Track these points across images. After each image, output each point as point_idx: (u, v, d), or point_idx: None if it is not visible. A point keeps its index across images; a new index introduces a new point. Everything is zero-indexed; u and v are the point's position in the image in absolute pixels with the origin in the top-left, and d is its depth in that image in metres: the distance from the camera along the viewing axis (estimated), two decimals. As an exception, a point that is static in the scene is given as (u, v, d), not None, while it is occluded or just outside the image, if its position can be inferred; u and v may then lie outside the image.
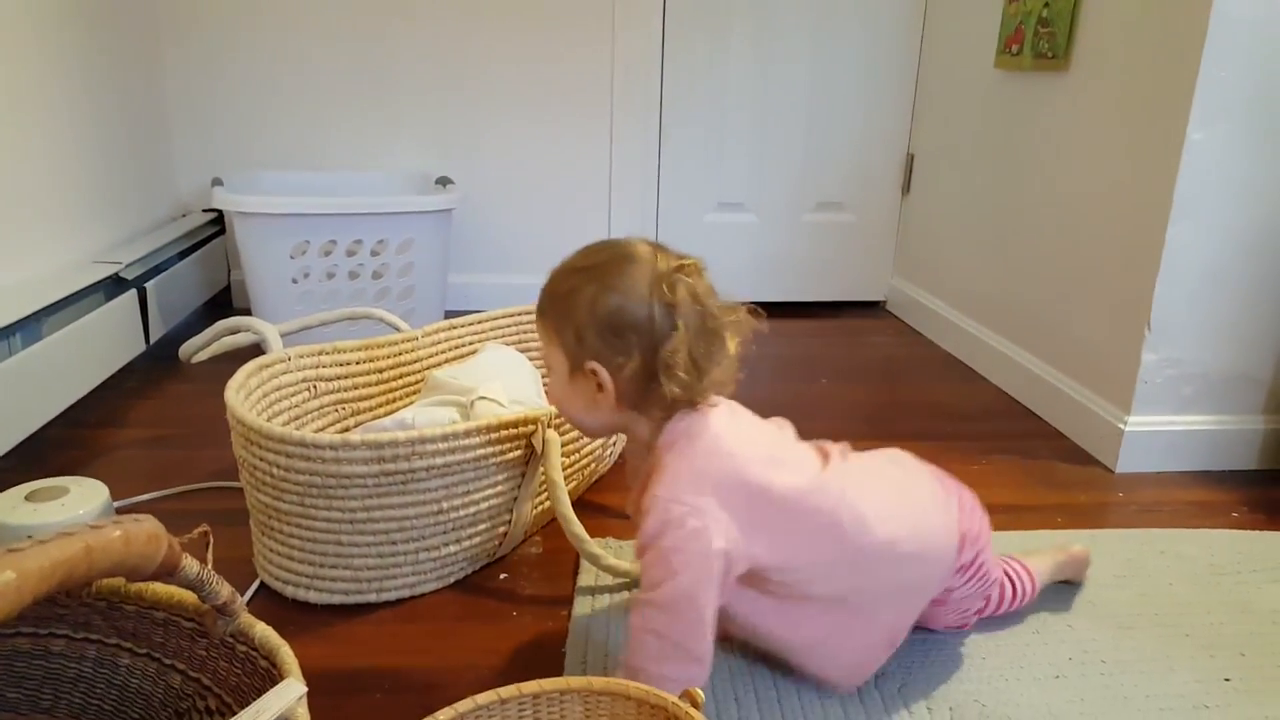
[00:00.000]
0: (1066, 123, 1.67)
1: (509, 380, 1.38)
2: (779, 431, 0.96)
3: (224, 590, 0.65)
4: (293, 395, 1.25)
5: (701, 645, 0.84)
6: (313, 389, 1.29)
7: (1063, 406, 1.66)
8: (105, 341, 1.66)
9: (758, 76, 2.25)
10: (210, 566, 0.67)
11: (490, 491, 1.10)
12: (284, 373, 1.24)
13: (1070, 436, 1.63)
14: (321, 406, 1.31)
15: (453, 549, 1.10)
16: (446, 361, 1.51)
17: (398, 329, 1.47)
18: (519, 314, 1.61)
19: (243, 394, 1.12)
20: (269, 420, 1.20)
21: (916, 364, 2.06)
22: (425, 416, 1.17)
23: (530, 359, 1.57)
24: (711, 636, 0.84)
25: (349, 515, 1.02)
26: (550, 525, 1.26)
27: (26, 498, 1.13)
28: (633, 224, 2.31)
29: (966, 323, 2.04)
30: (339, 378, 1.33)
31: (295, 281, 1.84)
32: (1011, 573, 1.07)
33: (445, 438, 1.02)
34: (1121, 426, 1.49)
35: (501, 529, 1.15)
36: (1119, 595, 1.15)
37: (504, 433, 1.08)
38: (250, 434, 1.01)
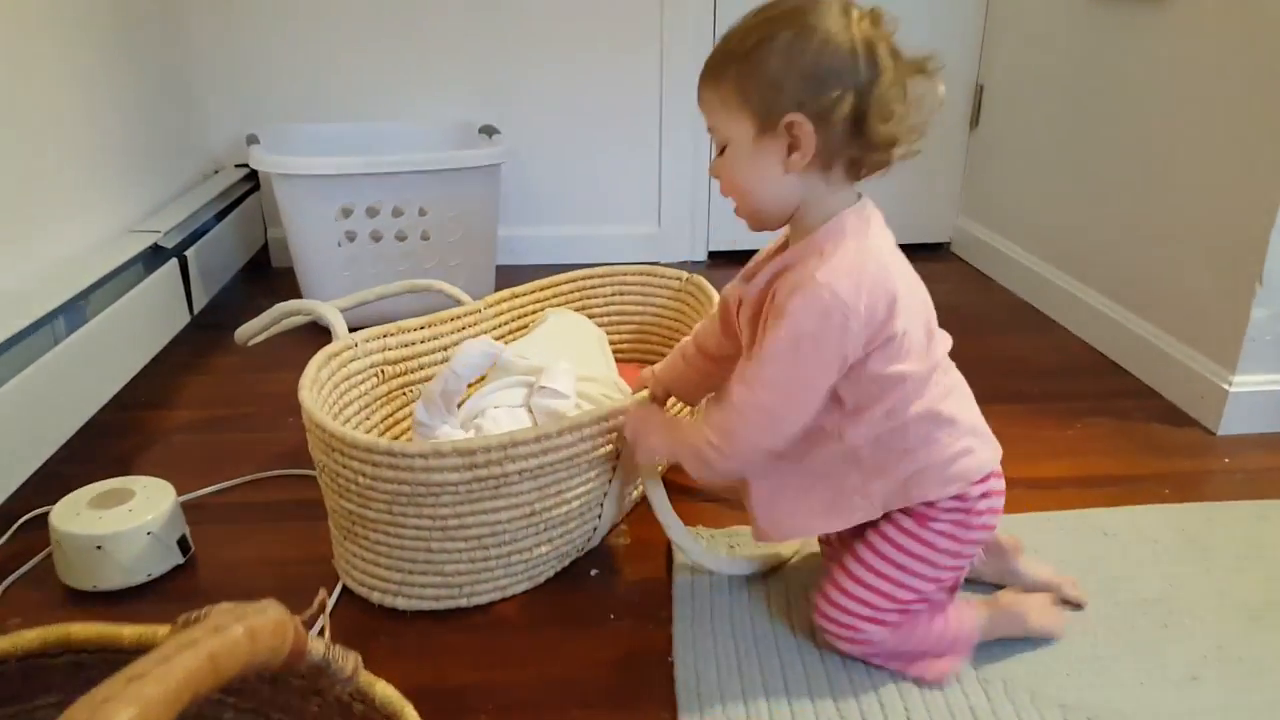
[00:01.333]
0: (1166, 56, 1.54)
1: (578, 352, 1.31)
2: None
3: (349, 664, 0.59)
4: (362, 383, 1.19)
5: (789, 429, 0.86)
6: (381, 374, 1.22)
7: (1155, 362, 1.57)
8: (150, 317, 1.60)
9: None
10: (329, 635, 0.61)
11: (582, 489, 1.04)
12: (352, 359, 1.17)
13: (1164, 394, 1.54)
14: (389, 392, 1.24)
15: (544, 549, 1.04)
16: (510, 333, 1.44)
17: (459, 301, 1.40)
18: (582, 278, 1.53)
19: (315, 389, 1.05)
20: (340, 411, 1.14)
21: (989, 312, 1.96)
22: (457, 357, 1.09)
23: (594, 320, 1.50)
24: (799, 425, 0.86)
25: (439, 522, 0.96)
26: (636, 511, 1.21)
27: (91, 503, 1.08)
28: (683, 169, 2.21)
29: (1042, 267, 1.94)
30: (405, 359, 1.26)
31: (340, 245, 1.76)
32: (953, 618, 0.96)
33: (538, 439, 0.95)
34: (1226, 387, 1.40)
35: (592, 524, 1.10)
36: (1245, 580, 1.08)
37: (597, 428, 1.01)
38: (333, 441, 0.94)
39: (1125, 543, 1.14)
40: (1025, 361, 1.70)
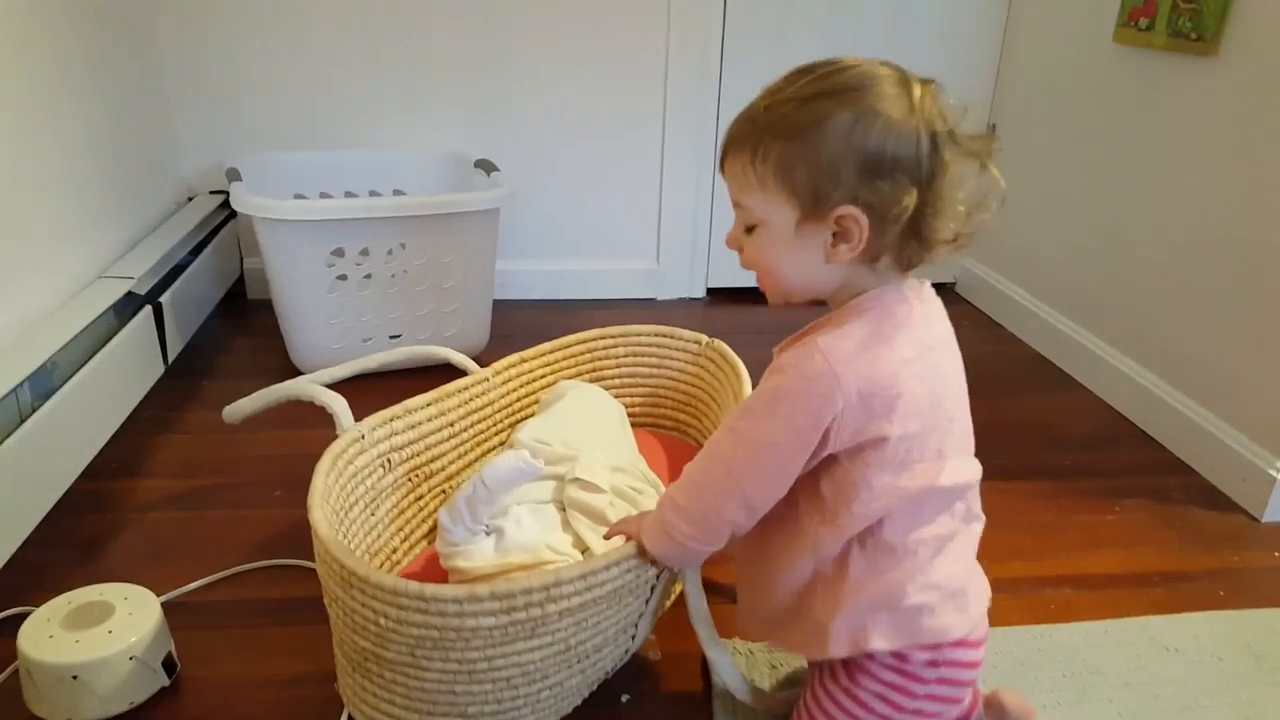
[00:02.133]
0: (1209, 115, 1.47)
1: (601, 434, 1.22)
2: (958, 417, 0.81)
3: None
4: (368, 477, 1.08)
5: (758, 500, 0.78)
6: (386, 464, 1.12)
7: (1191, 437, 1.51)
8: (124, 373, 1.47)
9: (827, 35, 2.02)
10: None
11: (619, 616, 0.94)
12: (359, 454, 1.06)
13: (1201, 472, 1.48)
14: (395, 481, 1.14)
15: (576, 680, 0.95)
16: (519, 400, 1.34)
17: (465, 371, 1.29)
18: (594, 339, 1.43)
19: (325, 502, 0.94)
20: (346, 512, 1.03)
21: (1004, 366, 1.90)
22: (491, 469, 0.99)
23: (607, 384, 1.41)
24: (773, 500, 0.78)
25: (467, 665, 0.86)
26: (668, 616, 1.11)
27: (65, 622, 0.96)
28: (684, 205, 2.11)
29: (1059, 320, 1.88)
30: (411, 443, 1.16)
31: (330, 289, 1.63)
32: None
33: (583, 576, 0.85)
34: (1274, 474, 1.34)
35: (625, 646, 1.00)
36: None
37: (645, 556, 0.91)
38: (353, 579, 0.83)
39: (1190, 660, 1.07)
40: (1050, 428, 1.63)
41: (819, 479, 0.78)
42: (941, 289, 2.32)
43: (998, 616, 0.91)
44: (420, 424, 1.17)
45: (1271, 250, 1.35)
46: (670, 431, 1.45)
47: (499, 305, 1.85)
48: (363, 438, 1.06)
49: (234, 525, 1.27)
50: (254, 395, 1.16)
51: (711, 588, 1.01)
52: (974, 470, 0.82)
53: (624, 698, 1.01)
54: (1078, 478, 1.46)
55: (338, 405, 1.07)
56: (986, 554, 0.85)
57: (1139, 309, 1.65)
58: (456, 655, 0.85)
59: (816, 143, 0.70)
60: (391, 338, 1.72)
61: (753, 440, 0.77)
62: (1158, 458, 1.54)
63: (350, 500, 1.04)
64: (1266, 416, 1.36)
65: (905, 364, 0.74)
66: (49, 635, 0.94)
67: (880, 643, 0.78)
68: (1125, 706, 0.99)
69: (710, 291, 2.22)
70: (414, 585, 0.81)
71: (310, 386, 1.10)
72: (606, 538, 0.92)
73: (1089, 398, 1.75)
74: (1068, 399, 1.75)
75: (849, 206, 0.71)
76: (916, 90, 0.71)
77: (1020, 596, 1.16)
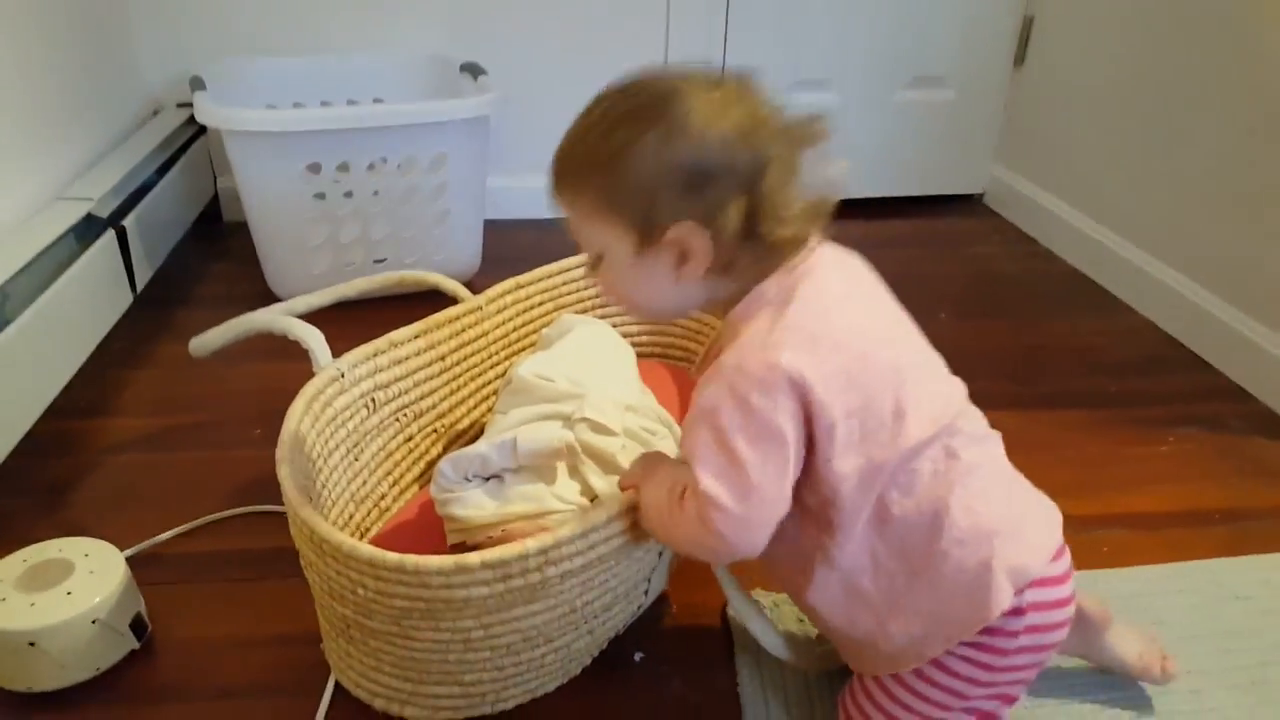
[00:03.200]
0: (1280, 1, 1.32)
1: (609, 372, 1.10)
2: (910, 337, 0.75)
3: None
4: (350, 419, 0.97)
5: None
6: (371, 404, 1.01)
7: (1248, 357, 1.38)
8: (87, 302, 1.35)
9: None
10: None
11: (630, 572, 0.84)
12: (338, 394, 0.95)
13: (1259, 397, 1.36)
14: (381, 422, 1.03)
15: (584, 642, 0.85)
16: (516, 330, 1.22)
17: (456, 298, 1.17)
18: (596, 262, 1.30)
19: (295, 454, 0.83)
20: (325, 459, 0.92)
21: (1039, 284, 1.76)
22: (527, 437, 0.90)
23: (610, 315, 1.29)
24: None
25: (461, 635, 0.76)
26: (678, 573, 1.01)
27: (19, 582, 0.86)
28: (694, 109, 1.95)
29: (1100, 232, 1.74)
30: (397, 379, 1.04)
31: (306, 208, 1.50)
32: None
33: (585, 534, 0.75)
34: (1340, 398, 1.23)
35: (637, 602, 0.90)
36: None
37: (656, 506, 0.81)
38: (324, 546, 0.73)
39: (1262, 609, 0.97)
40: (1094, 352, 1.51)
41: (799, 492, 0.69)
42: (969, 200, 2.20)
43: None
44: (407, 358, 1.05)
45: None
46: (680, 362, 1.33)
47: (491, 227, 1.71)
48: (342, 376, 0.95)
49: (211, 468, 1.17)
50: (221, 327, 1.04)
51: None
52: (950, 394, 0.73)
53: (637, 656, 0.92)
54: (1126, 406, 1.35)
55: (313, 339, 0.95)
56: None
57: (1190, 218, 1.51)
58: (448, 624, 0.75)
59: (628, 169, 0.67)
60: (376, 262, 1.59)
61: (729, 473, 0.68)
62: (1213, 383, 1.42)
63: (330, 446, 0.93)
64: (1337, 336, 1.24)
65: (833, 328, 0.68)
66: (1, 599, 0.85)
67: (949, 642, 0.69)
68: (1194, 662, 0.90)
69: (721, 207, 2.07)
70: (392, 557, 0.70)
71: (282, 318, 0.98)
72: (622, 488, 0.81)
73: (1135, 318, 1.62)
74: (1111, 321, 1.62)
75: (679, 226, 0.67)
76: (725, 91, 0.68)
77: (1068, 538, 1.05)
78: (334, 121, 1.45)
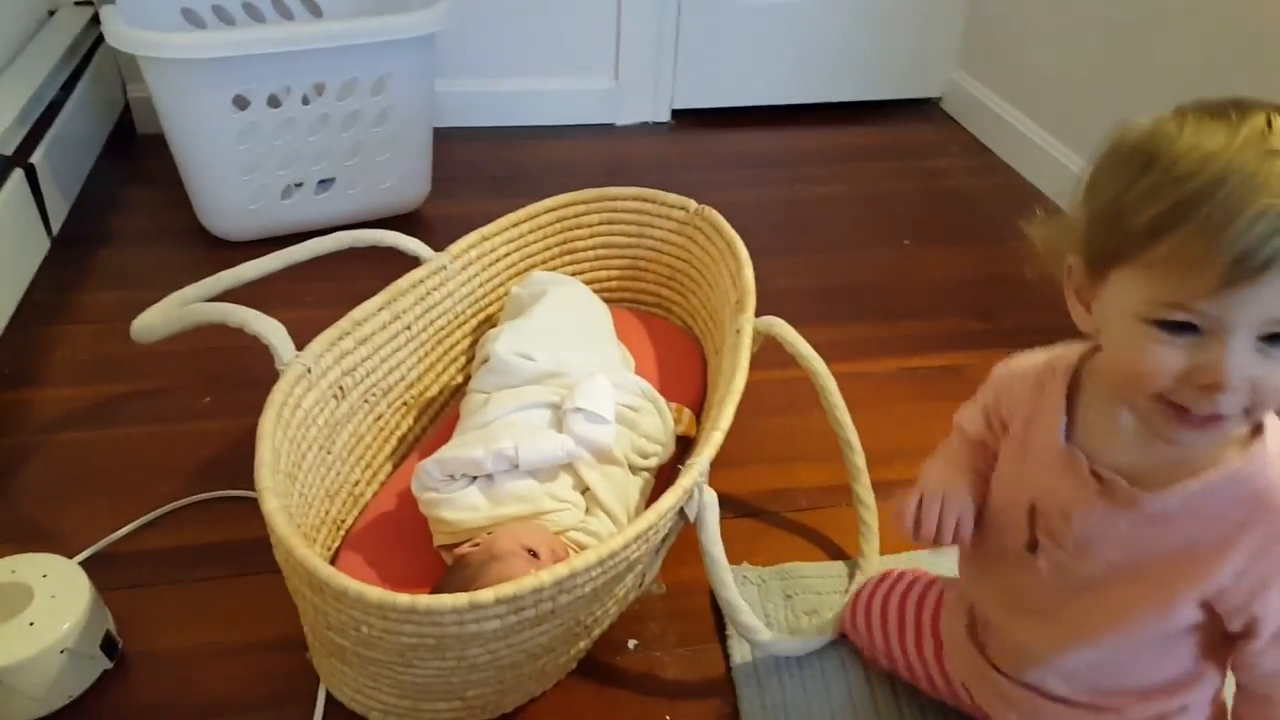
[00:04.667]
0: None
1: (591, 348, 1.06)
2: None
3: None
4: (320, 414, 0.91)
5: None
6: (339, 392, 0.95)
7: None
8: (2, 257, 1.22)
9: None
10: None
11: (630, 579, 0.83)
12: (306, 391, 0.89)
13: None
14: (351, 407, 0.97)
15: (582, 645, 0.85)
16: (483, 285, 1.16)
17: (418, 258, 1.10)
18: (564, 205, 1.24)
19: (276, 474, 0.78)
20: (299, 463, 0.87)
21: (1000, 203, 1.73)
22: (529, 447, 0.86)
23: (580, 261, 1.25)
24: None
25: (467, 662, 0.74)
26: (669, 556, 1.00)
27: (-24, 612, 0.81)
28: (648, 7, 1.82)
29: (1064, 154, 1.70)
30: (364, 360, 0.99)
31: (237, 143, 1.37)
32: None
33: (600, 562, 0.72)
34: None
35: (633, 598, 0.89)
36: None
37: (666, 521, 0.78)
38: (325, 588, 0.69)
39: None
40: (1056, 280, 1.50)
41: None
42: (924, 105, 2.13)
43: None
44: (372, 335, 1.00)
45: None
46: (652, 309, 1.29)
47: (437, 137, 1.59)
48: (309, 372, 0.89)
49: (160, 445, 1.10)
50: (168, 313, 0.95)
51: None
52: None
53: (631, 644, 0.91)
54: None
55: (273, 334, 0.88)
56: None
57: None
58: (455, 654, 0.73)
59: None
60: (321, 184, 1.48)
61: None
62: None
63: (303, 449, 0.88)
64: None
65: None
66: (-42, 633, 0.79)
67: None
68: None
69: (676, 114, 1.97)
70: (403, 600, 0.67)
71: (238, 310, 0.90)
72: None
73: (1094, 241, 1.62)
74: (1069, 242, 1.62)
75: None
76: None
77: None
78: (266, 45, 1.31)
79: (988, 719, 0.78)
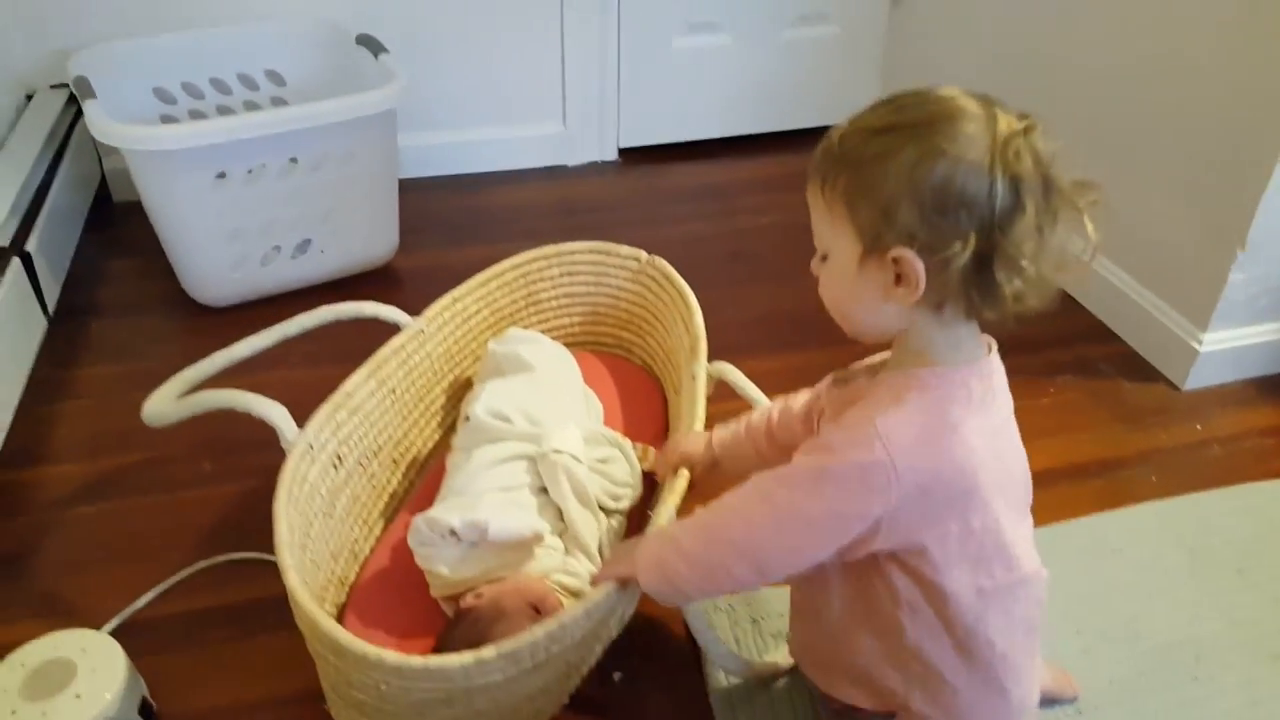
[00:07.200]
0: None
1: (564, 405, 1.16)
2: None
3: None
4: (322, 485, 1.01)
5: (773, 569, 0.76)
6: (337, 461, 1.05)
7: (1118, 305, 1.53)
8: (7, 343, 1.30)
9: None
10: None
11: (613, 625, 0.94)
12: (310, 466, 0.98)
13: (1125, 339, 1.53)
14: (348, 473, 1.07)
15: (572, 682, 0.95)
16: (458, 344, 1.27)
17: (398, 326, 1.20)
18: (527, 262, 1.34)
19: (293, 549, 0.87)
20: (306, 530, 0.96)
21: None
22: (500, 524, 0.96)
23: (543, 311, 1.36)
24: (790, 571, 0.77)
25: (474, 710, 0.85)
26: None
27: (24, 690, 0.89)
28: (590, 56, 1.93)
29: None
30: (358, 428, 1.08)
31: (217, 218, 1.45)
32: None
33: (587, 614, 0.83)
34: (1196, 346, 1.39)
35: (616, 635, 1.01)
36: (1257, 607, 1.10)
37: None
38: (346, 654, 0.79)
39: (1133, 561, 1.14)
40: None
41: (888, 568, 0.75)
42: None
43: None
44: (363, 404, 1.09)
45: (1213, 128, 1.33)
46: (614, 350, 1.40)
47: (399, 189, 1.68)
48: (311, 449, 0.99)
49: (166, 514, 1.19)
50: (177, 397, 1.04)
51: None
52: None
53: (616, 675, 1.02)
54: (1014, 355, 1.47)
55: (278, 416, 0.98)
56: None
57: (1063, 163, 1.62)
58: (463, 704, 0.83)
59: (879, 178, 0.66)
60: (298, 246, 1.56)
61: (786, 511, 0.74)
62: (1083, 324, 1.57)
63: (309, 517, 0.98)
64: (1194, 292, 1.40)
65: (971, 453, 0.69)
66: (11, 711, 0.88)
67: None
68: (1084, 623, 1.06)
69: (623, 152, 2.08)
70: (417, 661, 0.77)
71: (243, 396, 0.99)
72: (593, 583, 0.88)
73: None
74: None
75: (904, 249, 0.66)
76: (1003, 129, 0.65)
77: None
78: (244, 130, 1.40)
79: None
